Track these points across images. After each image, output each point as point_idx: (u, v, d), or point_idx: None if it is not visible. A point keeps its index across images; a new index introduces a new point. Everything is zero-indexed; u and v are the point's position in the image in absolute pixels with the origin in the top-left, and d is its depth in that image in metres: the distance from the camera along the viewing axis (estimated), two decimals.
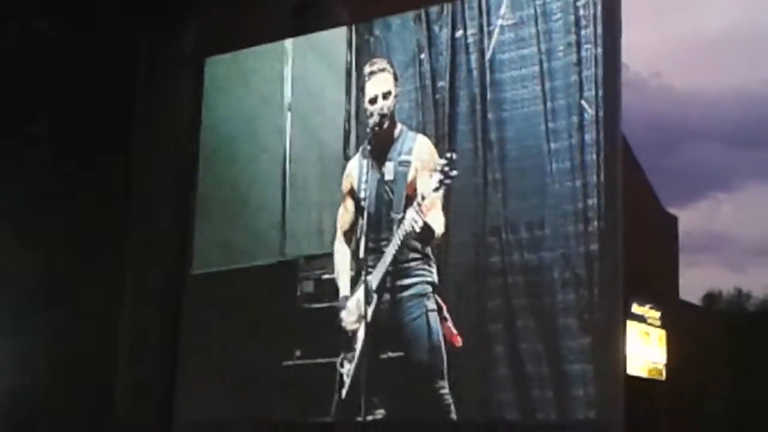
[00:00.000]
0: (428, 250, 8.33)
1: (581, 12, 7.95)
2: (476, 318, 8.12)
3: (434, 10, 8.67)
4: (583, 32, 7.93)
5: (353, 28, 9.15)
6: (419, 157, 8.40)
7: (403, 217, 8.27)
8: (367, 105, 8.73)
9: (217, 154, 10.03)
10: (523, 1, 8.24)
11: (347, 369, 8.47)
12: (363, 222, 8.53)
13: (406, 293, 8.36)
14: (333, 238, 8.93)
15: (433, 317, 8.23)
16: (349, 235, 8.76)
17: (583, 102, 7.84)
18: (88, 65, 10.60)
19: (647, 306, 20.81)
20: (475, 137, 8.31)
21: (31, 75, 10.81)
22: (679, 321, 21.54)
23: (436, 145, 8.46)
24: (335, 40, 9.26)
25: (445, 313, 8.19)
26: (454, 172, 8.05)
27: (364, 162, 8.66)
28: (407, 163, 8.42)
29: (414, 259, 8.34)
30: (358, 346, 8.44)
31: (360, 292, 8.49)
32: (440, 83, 8.53)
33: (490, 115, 8.26)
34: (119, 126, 10.45)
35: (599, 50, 7.85)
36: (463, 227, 8.24)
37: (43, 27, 10.73)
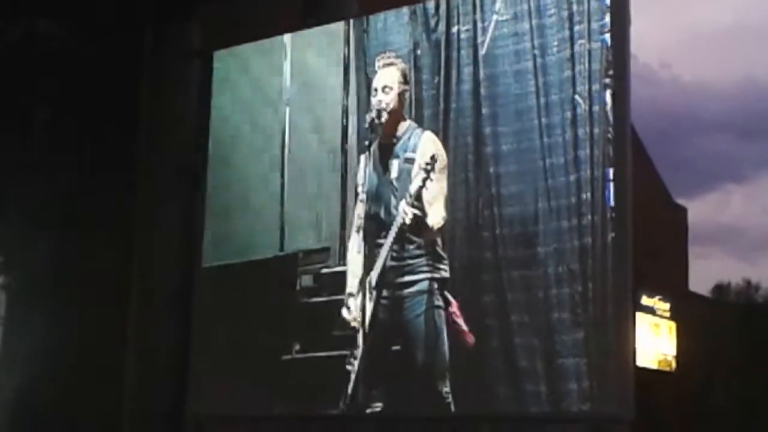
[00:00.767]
0: (437, 246, 8.33)
1: (575, 8, 7.97)
2: (471, 313, 8.13)
3: (430, 5, 8.69)
4: (576, 28, 7.95)
5: (350, 23, 9.18)
6: (424, 154, 8.38)
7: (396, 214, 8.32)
8: (371, 98, 8.74)
9: (219, 149, 10.05)
10: None
11: (352, 364, 8.51)
12: (362, 218, 8.56)
13: (408, 290, 8.38)
14: (332, 232, 8.98)
15: (438, 314, 8.26)
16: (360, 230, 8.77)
17: (576, 97, 7.85)
18: (92, 61, 10.68)
19: (657, 297, 20.81)
20: (470, 132, 8.33)
21: (35, 71, 10.91)
22: (689, 312, 21.53)
23: None
24: (333, 35, 9.29)
25: (455, 309, 8.20)
26: (436, 172, 8.11)
27: (367, 158, 8.67)
28: (411, 161, 8.43)
29: (418, 256, 8.37)
30: (360, 341, 8.47)
31: (365, 287, 8.51)
32: (435, 78, 8.56)
33: (484, 110, 8.29)
34: (125, 122, 10.51)
35: (593, 45, 7.86)
36: (457, 222, 8.27)
37: (49, 26, 10.80)
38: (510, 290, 8.00)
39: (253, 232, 9.56)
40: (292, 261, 9.18)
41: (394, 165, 8.49)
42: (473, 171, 8.26)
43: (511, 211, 8.07)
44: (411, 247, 8.34)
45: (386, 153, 8.58)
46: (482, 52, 8.35)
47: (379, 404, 8.40)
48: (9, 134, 11.05)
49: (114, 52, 10.58)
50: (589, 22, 7.91)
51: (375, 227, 8.52)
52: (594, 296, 7.63)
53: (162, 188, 10.28)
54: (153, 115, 10.43)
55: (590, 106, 7.80)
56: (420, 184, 8.14)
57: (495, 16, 8.33)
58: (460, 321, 8.14)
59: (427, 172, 8.12)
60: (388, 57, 8.74)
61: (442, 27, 8.59)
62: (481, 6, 8.41)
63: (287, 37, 9.67)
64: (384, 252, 8.36)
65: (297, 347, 9.01)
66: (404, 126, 8.59)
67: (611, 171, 7.66)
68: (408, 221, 8.20)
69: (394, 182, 8.47)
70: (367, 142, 8.64)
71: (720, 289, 25.97)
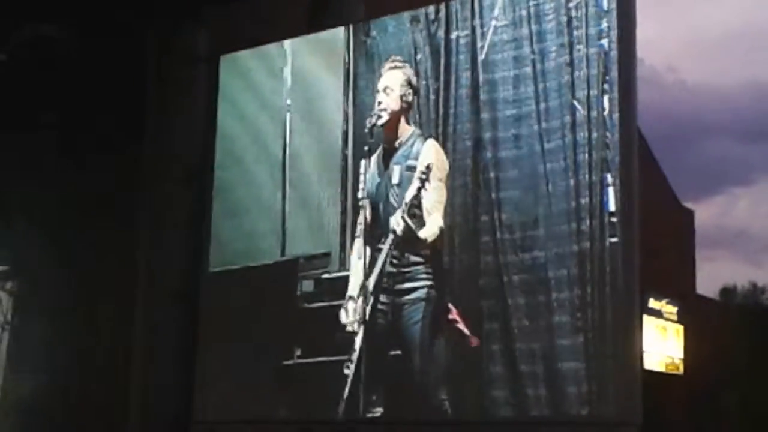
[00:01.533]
0: (436, 252, 8.35)
1: (573, 13, 7.97)
2: (471, 318, 8.14)
3: (430, 10, 8.71)
4: (575, 33, 7.96)
5: (350, 29, 9.21)
6: (424, 162, 8.38)
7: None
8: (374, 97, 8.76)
9: (221, 154, 10.08)
10: (516, 2, 8.28)
11: (348, 368, 8.53)
12: (361, 224, 8.57)
13: (406, 297, 8.39)
14: (333, 237, 9.00)
15: (436, 321, 8.28)
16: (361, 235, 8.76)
17: (575, 102, 7.87)
18: (98, 66, 10.73)
19: (664, 301, 20.78)
20: (469, 137, 8.35)
21: (41, 77, 10.96)
22: (696, 315, 21.50)
23: None
24: (333, 40, 9.31)
25: (455, 316, 8.21)
26: (429, 184, 8.15)
27: (368, 163, 8.68)
28: (413, 168, 8.42)
29: (417, 263, 8.38)
30: (357, 346, 8.49)
31: (364, 293, 8.53)
32: (435, 84, 8.57)
33: (483, 116, 8.30)
34: (131, 126, 10.55)
35: (592, 50, 7.88)
36: (457, 227, 8.28)
37: (53, 31, 10.84)
38: (510, 295, 8.01)
39: (255, 237, 9.58)
40: (293, 266, 9.20)
41: (396, 171, 8.51)
42: (472, 176, 8.27)
43: (511, 216, 8.08)
44: (410, 254, 8.35)
45: (388, 158, 8.60)
46: (481, 57, 8.37)
47: (379, 409, 8.42)
48: (15, 139, 11.11)
49: (120, 57, 10.62)
50: (587, 27, 7.92)
51: (376, 233, 8.54)
52: (593, 300, 7.64)
53: (168, 192, 10.30)
54: (158, 120, 10.46)
55: (589, 111, 7.81)
56: (414, 193, 8.16)
57: (494, 22, 8.35)
58: (462, 326, 8.15)
59: (422, 181, 8.14)
60: (394, 61, 8.75)
61: (441, 32, 8.61)
62: (480, 12, 8.43)
63: (288, 43, 9.69)
64: (381, 260, 8.38)
65: (298, 352, 9.03)
66: (407, 132, 8.58)
67: (609, 176, 7.67)
68: (399, 232, 8.22)
69: (396, 188, 8.48)
70: (367, 148, 8.65)
71: (727, 292, 25.94)
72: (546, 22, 8.12)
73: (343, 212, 8.98)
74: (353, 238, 8.79)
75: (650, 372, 18.49)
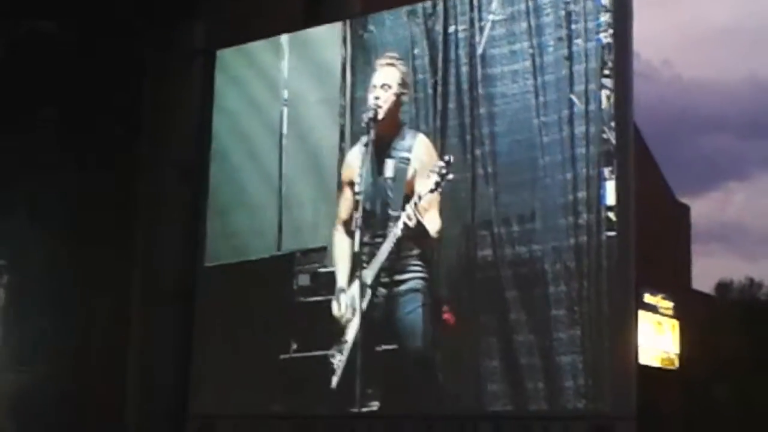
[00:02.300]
0: (425, 247, 8.39)
1: (571, 7, 7.99)
2: (469, 311, 8.17)
3: (428, 5, 8.71)
4: (573, 27, 7.97)
5: (347, 23, 9.20)
6: (418, 156, 8.44)
7: (399, 215, 8.33)
8: (368, 95, 8.77)
9: (218, 148, 10.08)
10: None
11: (338, 360, 8.54)
12: (358, 216, 8.55)
13: (400, 288, 8.44)
14: (329, 231, 8.99)
15: (428, 311, 8.31)
16: (348, 225, 8.77)
17: (572, 96, 7.88)
18: (96, 60, 10.72)
19: (659, 296, 20.83)
20: (467, 132, 8.35)
21: (39, 72, 10.95)
22: (691, 310, 21.56)
23: (432, 139, 8.51)
24: (330, 36, 9.31)
25: (444, 307, 8.26)
26: (451, 176, 8.13)
27: (364, 155, 8.68)
28: (407, 161, 8.47)
29: (409, 256, 8.41)
30: (350, 338, 8.51)
31: (355, 286, 8.55)
32: (433, 78, 8.58)
33: (481, 110, 8.31)
34: (129, 121, 10.54)
35: (589, 44, 7.89)
36: (454, 221, 8.30)
37: (52, 27, 10.84)
38: (507, 288, 8.03)
39: (251, 232, 9.58)
40: (289, 260, 9.21)
41: (389, 165, 8.54)
42: (471, 170, 8.28)
43: (508, 210, 8.09)
44: (412, 244, 8.36)
45: (382, 153, 8.61)
46: (479, 51, 8.38)
47: (376, 403, 8.43)
48: (13, 134, 11.10)
49: (117, 52, 10.61)
50: (585, 21, 7.93)
51: (369, 225, 8.55)
52: (589, 294, 7.66)
53: (165, 187, 10.31)
54: (156, 114, 10.46)
55: (587, 105, 7.82)
56: (432, 187, 8.16)
57: (491, 16, 8.36)
58: (448, 316, 8.18)
59: (442, 176, 8.13)
60: (390, 57, 8.77)
61: (439, 27, 8.62)
62: (478, 6, 8.43)
63: (285, 37, 9.68)
64: (383, 254, 8.41)
65: (295, 346, 9.04)
66: (400, 126, 8.63)
67: (606, 170, 7.68)
68: (413, 225, 8.23)
69: (389, 181, 8.51)
70: (363, 142, 8.66)
71: (723, 287, 25.99)
72: (544, 16, 8.13)
73: (339, 206, 8.99)
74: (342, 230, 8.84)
75: (646, 366, 18.54)
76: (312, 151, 9.30)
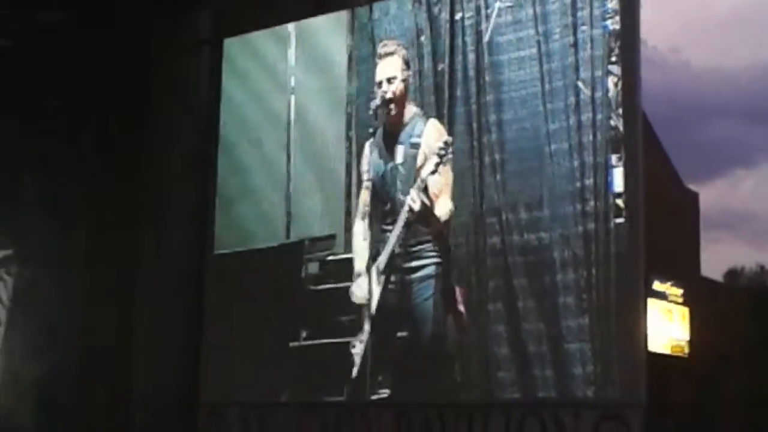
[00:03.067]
0: (444, 231, 8.37)
1: None
2: (477, 298, 8.18)
3: None
4: (579, 14, 7.95)
5: (353, 12, 9.20)
6: (428, 141, 8.41)
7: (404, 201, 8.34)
8: (375, 88, 8.73)
9: (226, 137, 10.10)
10: None
11: (359, 349, 8.56)
12: (368, 204, 8.58)
13: (415, 275, 8.42)
14: (338, 219, 9.02)
15: (445, 298, 8.31)
16: (365, 214, 8.78)
17: (579, 83, 7.87)
18: (102, 50, 10.72)
19: (669, 283, 20.77)
20: (474, 119, 8.35)
21: (44, 63, 10.97)
22: (701, 298, 21.50)
23: None
24: (337, 23, 9.32)
25: (459, 296, 8.26)
26: (449, 156, 8.14)
27: (374, 145, 8.70)
28: (417, 146, 8.45)
29: (424, 242, 8.40)
30: (367, 327, 8.52)
31: (371, 272, 8.55)
32: (440, 66, 8.57)
33: (488, 97, 8.30)
34: (136, 109, 10.55)
35: (596, 31, 7.87)
36: (462, 208, 8.29)
37: (56, 16, 10.85)
38: (516, 275, 8.04)
39: (260, 220, 9.61)
40: (299, 248, 9.22)
41: (400, 151, 8.52)
42: (478, 158, 8.28)
43: (516, 197, 8.10)
44: (419, 233, 8.36)
45: (392, 139, 8.60)
46: (485, 39, 8.37)
47: (386, 390, 8.45)
48: (19, 125, 11.12)
49: (123, 41, 10.61)
50: (591, 8, 7.91)
51: (381, 213, 8.56)
52: (598, 281, 7.65)
53: (173, 175, 10.32)
54: (163, 104, 10.45)
55: (593, 92, 7.81)
56: (433, 168, 8.16)
57: (498, 3, 8.34)
58: (461, 308, 8.19)
59: (441, 157, 8.13)
60: (389, 45, 8.74)
61: (445, 14, 8.60)
62: None
63: (292, 26, 9.69)
64: (393, 239, 8.39)
65: (304, 334, 9.06)
66: (410, 112, 8.59)
67: (614, 157, 7.67)
68: (417, 208, 8.22)
69: (400, 168, 8.50)
70: (371, 129, 8.67)
71: (733, 274, 25.93)
72: (550, 3, 8.12)
73: (348, 194, 9.02)
74: (355, 220, 8.85)
75: (655, 354, 18.48)
76: (319, 139, 9.31)
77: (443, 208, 8.31)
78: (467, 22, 8.48)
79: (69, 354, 10.54)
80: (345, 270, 8.79)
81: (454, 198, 8.31)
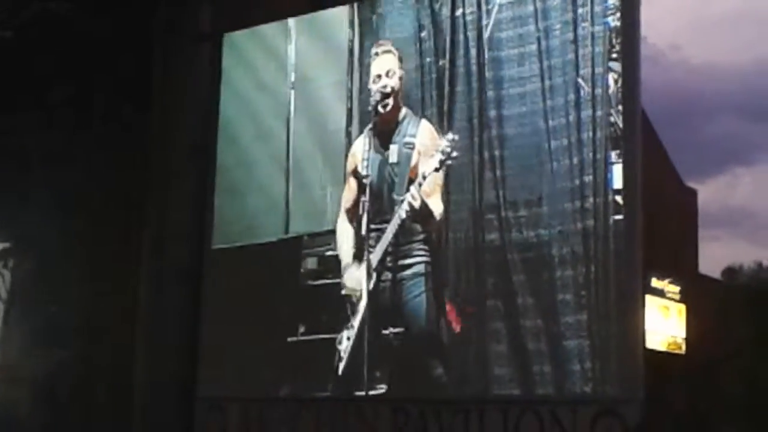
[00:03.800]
0: (430, 232, 8.41)
1: None
2: (475, 295, 8.18)
3: None
4: (580, 10, 7.96)
5: (355, 6, 9.20)
6: (422, 141, 8.45)
7: (404, 199, 8.35)
8: (371, 85, 8.79)
9: (226, 132, 10.10)
10: None
11: (345, 346, 8.57)
12: (365, 201, 8.58)
13: (406, 272, 8.46)
14: (336, 215, 9.01)
15: (436, 296, 8.34)
16: (352, 213, 8.84)
17: (579, 80, 7.87)
18: (105, 43, 10.73)
19: (666, 280, 20.75)
20: (474, 115, 8.35)
21: (49, 54, 10.96)
22: (699, 295, 21.47)
23: (438, 123, 8.51)
24: (337, 18, 9.32)
25: (451, 295, 8.29)
26: (455, 153, 8.14)
27: (368, 142, 8.72)
28: (411, 146, 8.49)
29: (415, 240, 8.43)
30: (356, 323, 8.52)
31: (362, 270, 8.56)
32: (441, 62, 8.58)
33: (489, 93, 8.31)
34: (138, 106, 10.55)
35: (596, 28, 7.87)
36: (461, 205, 8.31)
37: (60, 8, 10.83)
38: (515, 272, 8.04)
39: (259, 215, 9.63)
40: (297, 244, 9.24)
41: (394, 150, 8.55)
42: (478, 154, 8.28)
43: (515, 194, 8.10)
44: (411, 231, 8.39)
45: (386, 138, 8.65)
46: (486, 35, 8.37)
47: (383, 386, 8.45)
48: (22, 115, 11.12)
49: (127, 34, 10.61)
50: (592, 4, 7.92)
51: (374, 209, 8.57)
52: (596, 278, 7.66)
53: (174, 169, 10.34)
54: (163, 99, 10.46)
55: (593, 89, 7.81)
56: (437, 165, 8.17)
57: (498, 0, 8.34)
58: (452, 306, 8.22)
59: (446, 154, 8.15)
60: (385, 44, 8.81)
61: (446, 10, 8.62)
62: None
63: (292, 21, 9.69)
64: (387, 237, 8.43)
65: (302, 329, 9.07)
66: (402, 112, 8.66)
67: (613, 154, 7.67)
68: (417, 206, 8.25)
69: (394, 167, 8.53)
70: (369, 126, 8.69)
71: (731, 271, 25.88)
72: None
73: (343, 195, 9.02)
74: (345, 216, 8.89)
75: (652, 351, 18.48)
76: (319, 134, 9.33)
77: (437, 208, 8.36)
78: (468, 18, 8.48)
79: (68, 348, 10.53)
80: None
81: (453, 195, 8.32)
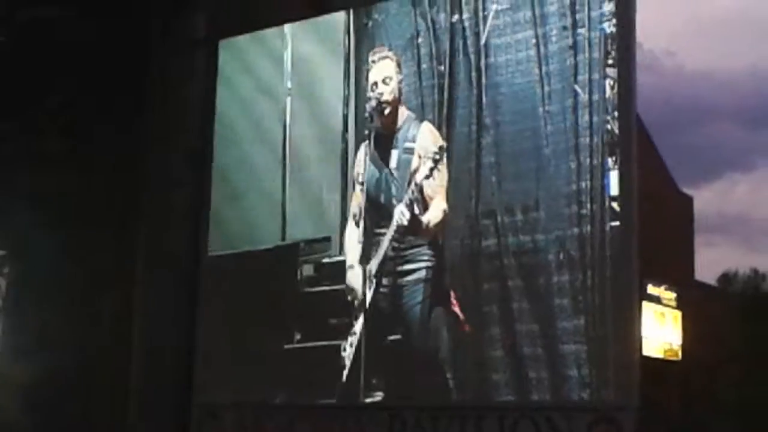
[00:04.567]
0: (437, 234, 8.38)
1: None
2: (472, 300, 8.17)
3: None
4: (577, 16, 7.95)
5: (351, 12, 9.20)
6: (422, 144, 8.42)
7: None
8: (369, 92, 8.76)
9: (222, 138, 10.08)
10: None
11: (349, 353, 8.56)
12: (362, 208, 8.58)
13: (407, 278, 8.43)
14: (334, 221, 9.02)
15: (437, 302, 8.31)
16: (358, 219, 8.78)
17: (576, 86, 7.87)
18: (100, 48, 10.71)
19: (662, 287, 20.82)
20: (473, 121, 8.34)
21: (42, 60, 10.94)
22: (695, 301, 21.54)
23: (437, 129, 8.50)
24: (334, 24, 9.31)
25: (453, 299, 8.25)
26: (444, 161, 8.16)
27: (367, 149, 8.69)
28: (411, 151, 8.47)
29: (417, 245, 8.40)
30: (358, 329, 8.51)
31: (362, 276, 8.54)
32: (439, 68, 8.57)
33: (486, 99, 8.30)
34: (133, 111, 10.53)
35: (593, 34, 7.87)
36: (458, 210, 8.29)
37: (54, 13, 10.83)
38: (511, 277, 8.03)
39: (255, 221, 9.61)
40: (294, 250, 9.22)
41: (394, 155, 8.53)
42: (475, 160, 8.27)
43: (512, 199, 8.09)
44: (411, 237, 8.37)
45: (386, 143, 8.61)
46: (482, 41, 8.37)
47: (380, 393, 8.44)
48: (15, 122, 11.10)
49: (122, 39, 10.61)
50: (589, 10, 7.91)
51: (374, 216, 8.57)
52: (593, 284, 7.65)
53: (171, 174, 10.31)
54: (160, 103, 10.45)
55: (590, 95, 7.81)
56: (427, 173, 8.16)
57: (495, 6, 8.35)
58: (457, 310, 8.19)
59: (435, 162, 8.15)
60: (382, 51, 8.79)
61: (443, 16, 8.60)
62: None
63: (288, 27, 9.69)
64: (384, 245, 8.41)
65: (299, 336, 9.06)
66: (403, 116, 8.62)
67: (610, 160, 7.68)
68: (405, 223, 8.25)
69: (394, 172, 8.51)
70: (366, 132, 8.68)
71: (726, 278, 25.99)
72: (548, 5, 8.11)
73: (344, 197, 9.01)
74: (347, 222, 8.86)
75: (648, 358, 18.53)
76: (317, 141, 9.29)
77: (435, 213, 8.32)
78: (465, 24, 8.47)
79: (64, 354, 10.50)
80: (340, 272, 8.77)
81: (450, 199, 8.31)
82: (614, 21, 7.82)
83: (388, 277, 8.46)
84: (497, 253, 8.10)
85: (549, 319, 7.79)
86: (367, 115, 8.64)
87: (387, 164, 8.57)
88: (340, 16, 9.29)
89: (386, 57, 8.72)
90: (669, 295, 21.05)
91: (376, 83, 8.70)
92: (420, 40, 8.71)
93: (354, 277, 8.61)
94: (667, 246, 19.95)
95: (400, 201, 8.40)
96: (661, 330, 20.81)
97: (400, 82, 8.66)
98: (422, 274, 8.38)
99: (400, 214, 8.27)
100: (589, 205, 7.73)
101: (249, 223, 9.65)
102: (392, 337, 8.47)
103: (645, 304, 19.13)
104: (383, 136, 8.63)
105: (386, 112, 8.58)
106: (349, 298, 8.67)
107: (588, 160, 7.77)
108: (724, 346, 21.86)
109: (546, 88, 8.04)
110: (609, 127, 7.73)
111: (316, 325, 8.95)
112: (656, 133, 23.06)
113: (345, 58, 9.17)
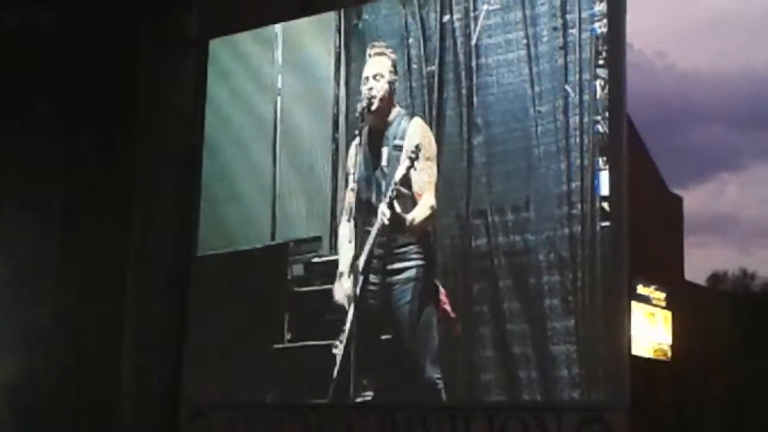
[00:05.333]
0: (427, 233, 8.37)
1: None
2: (462, 300, 8.17)
3: None
4: (568, 17, 7.96)
5: (341, 12, 9.19)
6: (411, 141, 8.39)
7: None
8: (361, 87, 8.75)
9: (212, 138, 10.07)
10: None
11: (339, 352, 8.55)
12: (352, 205, 8.58)
13: (396, 277, 8.41)
14: (323, 221, 9.02)
15: (426, 301, 8.30)
16: (350, 217, 8.77)
17: (567, 86, 7.87)
18: (90, 50, 10.69)
19: (652, 287, 20.82)
20: (463, 121, 8.34)
21: (32, 61, 10.91)
22: (685, 302, 21.55)
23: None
24: (324, 24, 9.30)
25: (443, 297, 8.25)
26: (418, 163, 8.16)
27: (359, 145, 8.69)
28: (400, 148, 8.44)
29: (408, 244, 8.39)
30: (347, 328, 8.50)
31: (351, 275, 8.55)
32: (429, 68, 8.57)
33: (476, 99, 8.30)
34: (123, 110, 10.52)
35: (584, 34, 7.88)
36: (448, 210, 8.29)
37: (45, 14, 10.81)
38: (501, 277, 8.03)
39: (245, 221, 9.60)
40: (284, 250, 9.21)
41: (384, 153, 8.52)
42: (466, 160, 8.28)
43: (503, 199, 8.09)
44: (400, 235, 8.35)
45: (377, 141, 8.59)
46: (473, 41, 8.37)
47: (370, 393, 8.43)
48: (5, 124, 11.07)
49: (111, 41, 10.59)
50: (580, 11, 7.92)
51: (366, 215, 8.55)
52: (583, 284, 7.66)
53: (159, 177, 10.30)
54: (150, 104, 10.44)
55: (581, 95, 7.82)
56: (404, 172, 8.17)
57: (485, 6, 8.35)
58: (448, 308, 8.18)
59: (412, 160, 8.16)
60: (379, 46, 8.75)
61: (433, 16, 8.60)
62: None
63: (279, 27, 9.68)
64: (369, 242, 8.39)
65: (289, 336, 9.05)
66: (394, 113, 8.60)
67: (601, 160, 7.69)
68: (387, 222, 8.23)
69: (384, 169, 8.49)
70: (357, 131, 8.66)
71: (716, 278, 26.08)
72: (539, 5, 8.12)
73: (334, 197, 9.00)
74: (341, 221, 8.84)
75: (638, 358, 18.53)
76: (305, 141, 9.29)
77: (422, 209, 8.30)
78: (456, 24, 8.48)
79: (54, 355, 10.49)
80: (330, 272, 8.77)
81: (441, 199, 8.31)
82: (605, 21, 7.83)
83: (378, 275, 8.44)
84: (488, 252, 8.10)
85: (539, 319, 7.80)
86: (357, 114, 8.61)
87: (378, 162, 8.55)
88: (330, 17, 9.28)
89: (383, 53, 8.70)
90: (659, 295, 21.04)
91: (367, 78, 8.69)
92: (410, 40, 8.72)
93: (341, 287, 8.60)
94: (657, 246, 19.97)
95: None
96: (651, 330, 20.79)
97: (392, 81, 8.62)
98: (412, 273, 8.37)
99: (382, 213, 8.26)
100: (579, 206, 7.74)
101: (239, 222, 9.64)
102: (382, 337, 8.45)
103: (635, 304, 19.12)
104: (374, 134, 8.62)
105: (374, 107, 8.54)
106: (337, 302, 8.66)
107: (578, 160, 7.79)
108: (713, 346, 21.90)
109: (536, 89, 8.05)
110: (599, 127, 7.74)
111: (306, 325, 8.94)
112: (646, 133, 23.08)
113: (336, 58, 9.16)
